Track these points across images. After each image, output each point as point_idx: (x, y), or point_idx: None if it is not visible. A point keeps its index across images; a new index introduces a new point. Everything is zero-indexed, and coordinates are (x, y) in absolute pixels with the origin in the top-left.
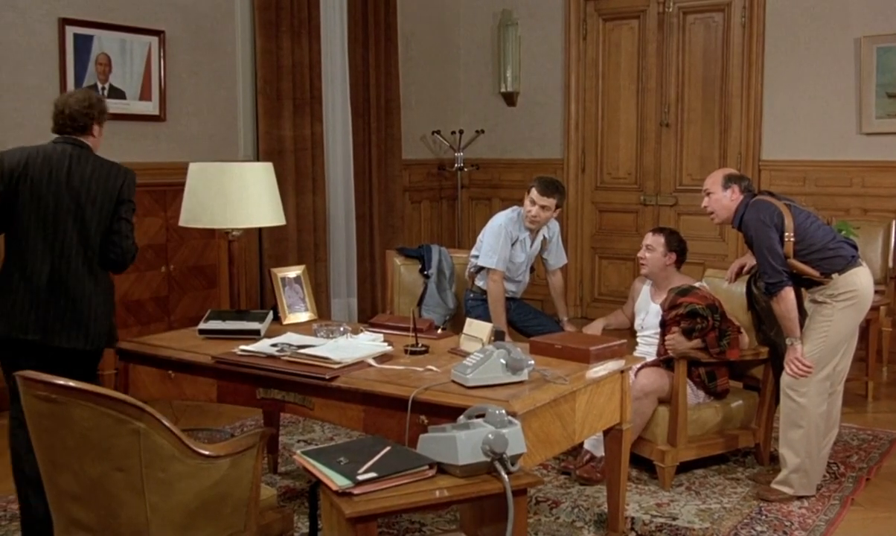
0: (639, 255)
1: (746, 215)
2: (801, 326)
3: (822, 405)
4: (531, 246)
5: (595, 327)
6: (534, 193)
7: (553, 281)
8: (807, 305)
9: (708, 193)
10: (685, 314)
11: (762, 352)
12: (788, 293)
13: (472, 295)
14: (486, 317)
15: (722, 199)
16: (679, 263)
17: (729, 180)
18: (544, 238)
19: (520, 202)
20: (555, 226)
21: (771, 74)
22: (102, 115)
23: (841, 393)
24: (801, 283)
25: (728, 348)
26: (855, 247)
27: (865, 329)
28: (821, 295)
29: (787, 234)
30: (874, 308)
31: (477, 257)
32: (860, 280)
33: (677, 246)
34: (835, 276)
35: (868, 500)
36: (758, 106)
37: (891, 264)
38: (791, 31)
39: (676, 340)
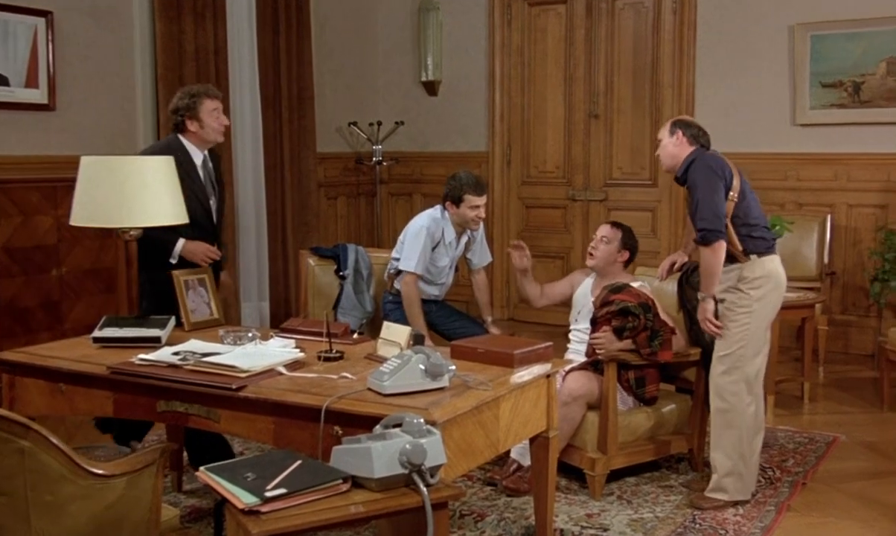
0: (591, 245)
1: (696, 162)
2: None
3: (752, 403)
4: (457, 248)
5: (527, 264)
6: (472, 198)
7: (477, 281)
8: (720, 307)
9: (658, 142)
10: (616, 312)
11: (693, 353)
12: (721, 246)
13: (390, 297)
14: (404, 321)
15: (667, 145)
16: (627, 262)
17: (675, 126)
18: (468, 238)
19: (440, 198)
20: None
21: (703, 62)
22: None
23: (762, 394)
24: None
25: (660, 349)
26: (774, 237)
27: (801, 328)
28: (733, 282)
29: (731, 193)
30: (809, 306)
31: (398, 259)
32: (776, 268)
33: (632, 246)
34: (753, 257)
35: (804, 505)
36: (689, 96)
37: (826, 260)
38: (724, 17)
39: (607, 338)
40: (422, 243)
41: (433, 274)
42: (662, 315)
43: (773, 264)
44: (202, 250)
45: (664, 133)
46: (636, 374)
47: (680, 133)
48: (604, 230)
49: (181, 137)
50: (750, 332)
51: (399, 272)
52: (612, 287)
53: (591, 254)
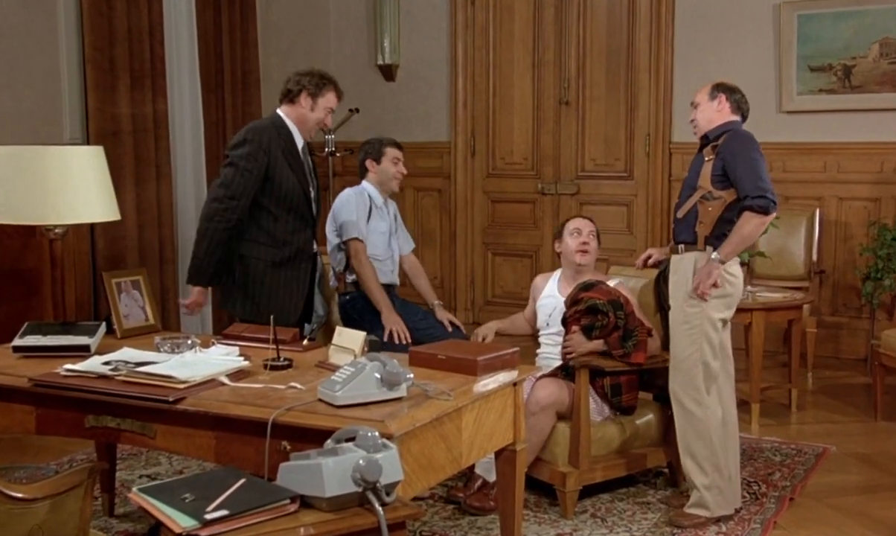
0: (580, 242)
1: (738, 133)
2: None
3: (717, 409)
4: (389, 212)
5: (488, 330)
6: (392, 150)
7: (409, 266)
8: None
9: (696, 106)
10: (584, 310)
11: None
12: (768, 220)
13: (347, 297)
14: (368, 313)
15: (707, 109)
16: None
17: (717, 89)
18: (395, 212)
19: (400, 192)
20: (392, 203)
21: (682, 45)
22: None
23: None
24: (688, 237)
25: (633, 350)
26: None
27: (788, 330)
28: (688, 273)
29: None
30: (797, 307)
31: (340, 245)
32: (737, 270)
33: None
34: (709, 249)
35: (792, 522)
36: (668, 82)
37: (815, 257)
38: None
39: (576, 340)
40: (355, 208)
41: (379, 247)
42: (638, 314)
43: (735, 265)
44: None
45: (703, 96)
46: (612, 380)
47: (723, 97)
48: (589, 226)
49: (284, 117)
50: (703, 332)
51: (347, 266)
52: (583, 285)
53: (584, 252)
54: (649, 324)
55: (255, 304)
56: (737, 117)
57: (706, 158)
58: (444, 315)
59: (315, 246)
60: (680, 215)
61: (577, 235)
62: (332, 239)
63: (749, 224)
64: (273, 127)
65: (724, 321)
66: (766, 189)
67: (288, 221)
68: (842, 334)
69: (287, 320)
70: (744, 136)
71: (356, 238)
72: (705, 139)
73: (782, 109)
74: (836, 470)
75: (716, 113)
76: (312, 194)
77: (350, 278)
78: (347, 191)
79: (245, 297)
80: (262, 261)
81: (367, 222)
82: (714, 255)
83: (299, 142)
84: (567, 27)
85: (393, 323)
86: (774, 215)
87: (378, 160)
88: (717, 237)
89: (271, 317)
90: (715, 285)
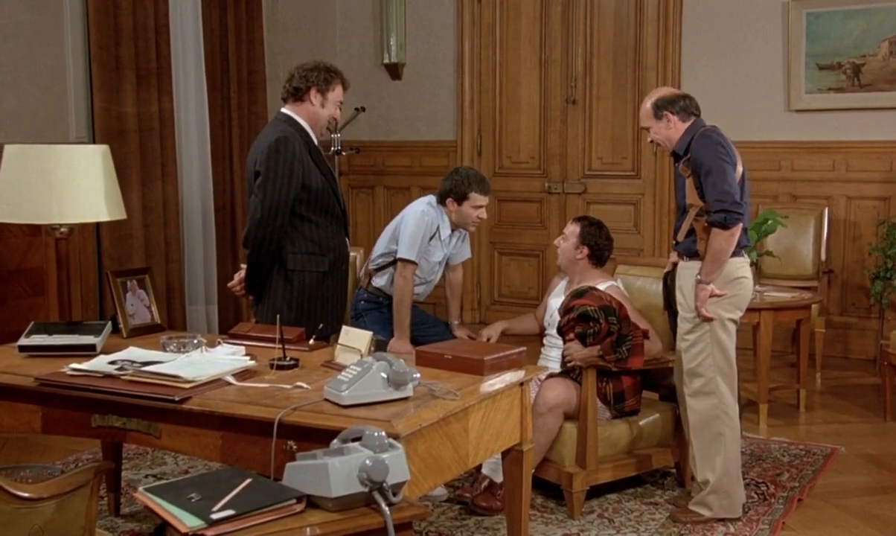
0: (554, 241)
1: (700, 138)
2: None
3: (732, 409)
4: (450, 245)
5: (493, 331)
6: (477, 196)
7: (453, 278)
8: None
9: (647, 129)
10: (576, 318)
11: (673, 358)
12: (737, 232)
13: (365, 296)
14: (380, 322)
15: (661, 130)
16: (594, 259)
17: (658, 109)
18: (458, 236)
19: (406, 191)
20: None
21: (689, 43)
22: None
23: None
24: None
25: (629, 355)
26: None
27: (796, 330)
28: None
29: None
30: (805, 307)
31: (386, 253)
32: (747, 271)
33: (593, 241)
34: (699, 276)
35: (801, 523)
36: (675, 80)
37: (823, 257)
38: None
39: (573, 347)
40: (422, 230)
41: (424, 270)
42: (633, 317)
43: (744, 264)
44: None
45: (649, 120)
46: (615, 388)
47: (668, 114)
48: (567, 227)
49: (295, 116)
50: (714, 333)
51: (385, 266)
52: (576, 292)
53: (558, 252)
54: (646, 326)
55: (305, 316)
56: (691, 121)
57: (685, 176)
58: (460, 334)
59: (348, 246)
60: (680, 238)
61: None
62: (386, 236)
63: (716, 241)
64: (296, 130)
65: (734, 321)
66: (725, 201)
67: (328, 226)
68: (850, 334)
69: (336, 328)
70: (706, 140)
71: (410, 260)
72: (676, 155)
73: (791, 108)
74: (845, 471)
75: (670, 130)
76: (337, 191)
77: (378, 282)
78: (424, 206)
79: (291, 310)
80: (311, 273)
81: (428, 242)
82: (697, 276)
83: (315, 139)
84: (574, 25)
85: (398, 349)
86: (740, 225)
87: (460, 203)
88: None
89: (278, 317)
90: (715, 295)
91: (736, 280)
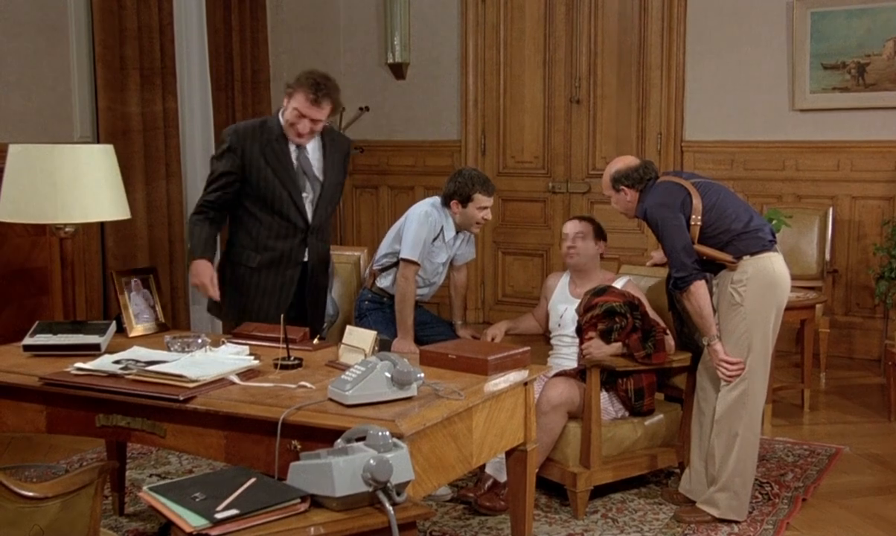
0: (566, 245)
1: (648, 200)
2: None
3: (759, 409)
4: (454, 247)
5: (497, 330)
6: (482, 197)
7: (457, 278)
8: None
9: (609, 198)
10: (601, 315)
11: (679, 358)
12: (699, 288)
13: (369, 296)
14: (384, 322)
15: (620, 200)
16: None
17: (615, 182)
18: (463, 237)
19: (410, 191)
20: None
21: (694, 43)
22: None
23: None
24: (708, 268)
25: (654, 351)
26: (773, 234)
27: (800, 330)
28: (725, 283)
29: (693, 216)
30: (809, 307)
31: (390, 253)
32: (775, 267)
33: (604, 235)
34: (746, 258)
35: (805, 523)
36: (680, 80)
37: (828, 256)
38: None
39: (594, 345)
40: (426, 230)
41: (427, 272)
42: (651, 314)
43: (769, 261)
44: (201, 281)
45: (608, 190)
46: (635, 384)
47: (624, 189)
48: (573, 227)
49: (280, 116)
50: (748, 323)
51: (388, 267)
52: (595, 290)
53: (570, 254)
54: (663, 323)
55: (239, 308)
56: (644, 186)
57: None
58: (463, 334)
59: (307, 255)
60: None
61: (565, 239)
62: (390, 237)
63: (686, 303)
64: (258, 126)
65: (777, 312)
66: (679, 265)
67: (273, 226)
68: (855, 334)
69: (276, 321)
70: (655, 207)
71: (412, 261)
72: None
73: (795, 107)
74: (850, 471)
75: (627, 201)
76: (310, 198)
77: (382, 282)
78: (428, 208)
79: (229, 300)
80: (242, 266)
81: (432, 243)
82: (703, 340)
83: (292, 143)
84: (578, 25)
85: (402, 349)
86: (702, 280)
87: (464, 204)
88: (731, 249)
89: (282, 316)
90: (734, 370)
91: (773, 281)
